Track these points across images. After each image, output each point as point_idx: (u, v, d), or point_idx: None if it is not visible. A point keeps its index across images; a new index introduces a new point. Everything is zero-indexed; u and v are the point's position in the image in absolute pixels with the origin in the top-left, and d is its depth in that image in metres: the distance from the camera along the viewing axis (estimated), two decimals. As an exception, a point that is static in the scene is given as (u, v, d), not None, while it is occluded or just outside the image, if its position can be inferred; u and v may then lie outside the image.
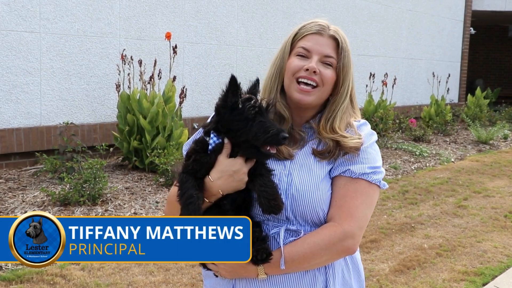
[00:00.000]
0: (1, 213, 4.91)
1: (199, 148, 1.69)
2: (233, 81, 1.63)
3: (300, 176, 1.72)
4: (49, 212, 4.99)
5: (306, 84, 1.76)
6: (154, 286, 3.85)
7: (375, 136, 1.83)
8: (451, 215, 5.95)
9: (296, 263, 1.66)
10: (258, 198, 1.64)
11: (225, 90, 1.65)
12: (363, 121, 1.86)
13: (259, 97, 1.71)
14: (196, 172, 1.65)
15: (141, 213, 5.21)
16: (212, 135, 1.68)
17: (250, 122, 1.61)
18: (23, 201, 5.21)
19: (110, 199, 5.43)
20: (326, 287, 1.75)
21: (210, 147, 1.67)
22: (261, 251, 1.61)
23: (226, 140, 1.67)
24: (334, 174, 1.75)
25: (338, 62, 1.77)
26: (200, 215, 1.60)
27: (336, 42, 1.78)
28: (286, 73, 1.80)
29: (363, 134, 1.79)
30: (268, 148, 1.63)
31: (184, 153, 1.81)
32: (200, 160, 1.67)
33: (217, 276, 1.77)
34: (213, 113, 1.73)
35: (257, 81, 1.73)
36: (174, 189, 1.71)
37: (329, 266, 1.75)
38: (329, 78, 1.76)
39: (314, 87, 1.77)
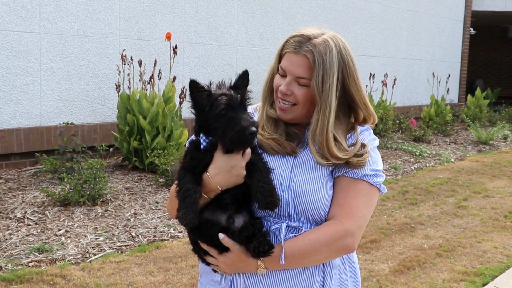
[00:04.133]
0: (1, 213, 4.91)
1: (194, 148, 1.72)
2: (192, 85, 1.64)
3: (303, 173, 1.74)
4: (49, 213, 4.99)
5: (284, 102, 1.79)
6: (154, 286, 3.85)
7: (377, 141, 1.87)
8: (451, 216, 5.95)
9: (296, 259, 1.68)
10: (254, 194, 1.64)
11: (189, 95, 1.66)
12: (366, 126, 1.87)
13: (248, 90, 1.70)
14: (193, 169, 1.67)
15: (141, 214, 5.21)
16: (201, 135, 1.70)
17: (221, 119, 1.61)
18: (23, 201, 5.22)
19: (110, 199, 5.43)
20: (323, 285, 1.76)
21: (202, 146, 1.69)
22: (263, 243, 1.62)
23: None
24: (336, 173, 1.77)
25: (312, 80, 1.71)
26: (197, 209, 1.61)
27: (308, 60, 1.72)
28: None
29: (366, 138, 1.82)
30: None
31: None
32: (197, 157, 1.68)
33: (215, 272, 1.78)
34: None
35: (244, 73, 1.70)
36: (175, 186, 1.73)
37: (327, 264, 1.77)
38: (303, 98, 1.75)
39: (292, 104, 1.77)
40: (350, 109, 1.81)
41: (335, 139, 1.75)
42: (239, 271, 1.73)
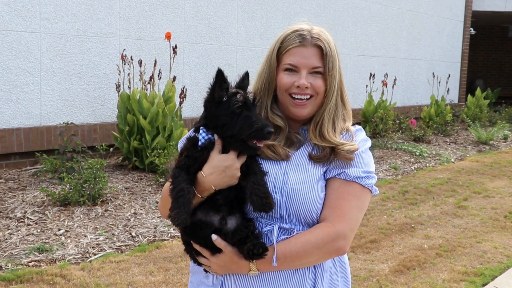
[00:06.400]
0: (1, 213, 4.91)
1: (191, 145, 1.72)
2: (219, 75, 1.65)
3: (296, 175, 1.75)
4: (49, 213, 4.99)
5: (301, 99, 1.79)
6: (154, 286, 3.85)
7: (369, 143, 1.87)
8: (451, 216, 5.95)
9: (288, 261, 1.68)
10: (250, 196, 1.65)
11: (212, 84, 1.67)
12: (358, 127, 1.90)
13: (249, 91, 1.73)
14: (188, 167, 1.67)
15: (141, 213, 5.21)
16: (201, 131, 1.70)
17: (236, 117, 1.63)
18: (23, 201, 5.21)
19: (110, 199, 5.43)
20: (314, 286, 1.77)
21: (199, 143, 1.69)
22: (258, 246, 1.63)
23: (217, 137, 1.69)
24: (328, 176, 1.78)
25: (325, 68, 1.78)
26: (190, 209, 1.62)
27: (320, 49, 1.78)
28: (278, 89, 1.82)
29: (358, 139, 1.83)
30: (254, 142, 1.65)
31: (179, 149, 1.84)
32: (192, 156, 1.69)
33: (206, 272, 1.78)
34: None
35: (246, 74, 1.74)
36: (168, 184, 1.73)
37: (318, 266, 1.77)
38: (321, 87, 1.79)
39: (308, 98, 1.79)
40: (342, 103, 1.86)
41: (333, 123, 1.81)
42: (231, 272, 1.73)
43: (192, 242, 1.73)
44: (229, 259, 1.68)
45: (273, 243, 1.68)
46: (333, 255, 1.74)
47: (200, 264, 1.77)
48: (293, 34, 1.79)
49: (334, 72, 1.79)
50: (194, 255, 1.76)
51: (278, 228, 1.73)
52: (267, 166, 1.75)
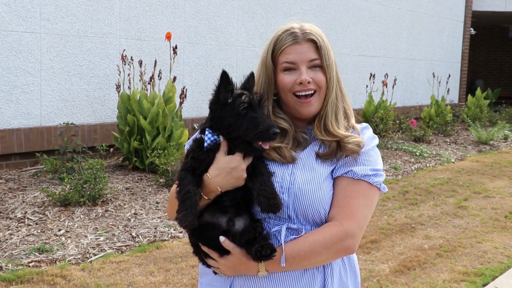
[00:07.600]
0: (1, 214, 4.91)
1: (196, 147, 1.72)
2: (224, 76, 1.66)
3: (303, 175, 1.74)
4: (49, 213, 4.99)
5: (305, 96, 1.78)
6: (154, 286, 3.85)
7: (376, 140, 1.86)
8: (451, 216, 5.95)
9: (296, 261, 1.67)
10: (257, 197, 1.65)
11: (217, 86, 1.68)
12: (365, 124, 1.89)
13: (253, 91, 1.73)
14: (194, 169, 1.67)
15: (141, 214, 5.21)
16: (207, 132, 1.70)
17: (241, 118, 1.63)
18: (23, 202, 5.22)
19: (111, 200, 5.43)
20: (324, 286, 1.76)
21: (205, 144, 1.69)
22: (265, 247, 1.62)
23: (222, 138, 1.69)
24: (336, 174, 1.77)
25: (321, 59, 1.78)
26: (197, 211, 1.61)
27: (314, 43, 1.79)
28: (281, 90, 1.81)
29: (365, 137, 1.82)
30: (260, 143, 1.65)
31: (185, 151, 1.83)
32: (198, 158, 1.68)
33: (216, 273, 1.78)
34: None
35: (252, 75, 1.75)
36: (175, 187, 1.73)
37: (328, 265, 1.77)
38: (323, 81, 1.79)
39: (312, 93, 1.79)
40: (341, 94, 1.86)
41: (335, 115, 1.80)
42: (239, 273, 1.73)
43: (200, 244, 1.73)
44: (238, 261, 1.67)
45: (282, 244, 1.67)
46: (342, 254, 1.73)
47: (209, 266, 1.77)
48: (284, 34, 1.80)
49: (331, 62, 1.79)
50: (202, 257, 1.76)
51: (286, 228, 1.72)
52: (273, 167, 1.75)
